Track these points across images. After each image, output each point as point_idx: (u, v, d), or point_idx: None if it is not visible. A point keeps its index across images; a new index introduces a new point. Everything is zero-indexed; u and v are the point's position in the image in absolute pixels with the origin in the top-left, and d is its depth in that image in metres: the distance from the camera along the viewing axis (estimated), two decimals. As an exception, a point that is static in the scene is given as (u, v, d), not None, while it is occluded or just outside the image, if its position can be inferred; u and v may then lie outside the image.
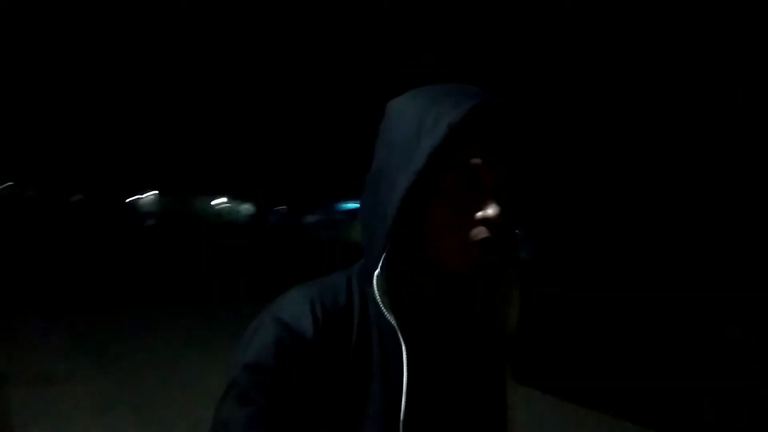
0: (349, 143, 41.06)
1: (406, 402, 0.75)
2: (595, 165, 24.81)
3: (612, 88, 24.36)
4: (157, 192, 66.75)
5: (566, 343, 7.63)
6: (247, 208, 55.68)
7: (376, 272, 0.78)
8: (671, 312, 10.27)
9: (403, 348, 0.76)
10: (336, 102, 44.22)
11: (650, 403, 5.60)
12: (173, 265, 16.18)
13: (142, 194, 68.70)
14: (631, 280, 14.34)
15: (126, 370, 5.93)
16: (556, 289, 11.33)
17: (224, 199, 58.43)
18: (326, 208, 44.21)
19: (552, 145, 24.55)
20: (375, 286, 0.78)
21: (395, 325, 0.76)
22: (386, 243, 0.77)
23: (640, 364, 6.92)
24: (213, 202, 59.16)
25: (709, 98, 21.48)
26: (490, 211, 0.75)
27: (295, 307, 0.79)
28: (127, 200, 67.06)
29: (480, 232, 0.75)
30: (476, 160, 0.76)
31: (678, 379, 6.37)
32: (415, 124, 0.77)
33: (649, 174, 23.29)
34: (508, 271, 0.84)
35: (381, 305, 0.77)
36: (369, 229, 0.81)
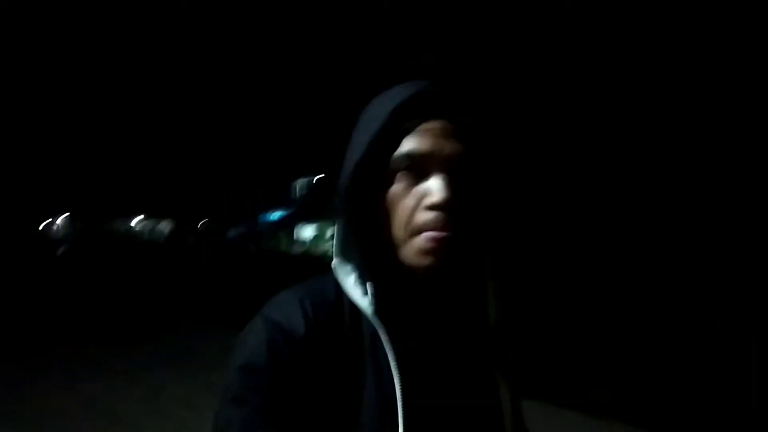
0: (269, 152, 40.74)
1: (402, 394, 0.75)
2: (592, 166, 24.88)
3: (614, 89, 24.56)
4: (68, 214, 63.67)
5: (557, 347, 7.67)
6: (165, 225, 54.08)
7: (338, 264, 0.82)
8: (668, 315, 10.24)
9: (386, 343, 0.77)
10: (253, 108, 43.70)
11: (645, 406, 5.58)
12: (86, 295, 15.79)
13: (52, 218, 65.34)
14: (625, 283, 14.53)
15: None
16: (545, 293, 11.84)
17: (141, 218, 56.51)
18: (249, 219, 43.67)
19: (552, 146, 24.78)
20: (343, 285, 0.81)
21: (376, 324, 0.78)
22: (350, 238, 0.81)
23: (635, 367, 6.87)
24: (130, 223, 57.10)
25: (709, 98, 21.68)
26: (435, 197, 0.74)
27: (286, 307, 0.80)
28: (37, 227, 63.68)
29: (427, 221, 0.75)
30: (421, 148, 0.76)
31: (673, 382, 6.31)
32: (365, 120, 0.81)
33: (648, 175, 23.31)
34: (481, 263, 0.85)
35: (354, 300, 0.80)
36: (339, 233, 0.83)
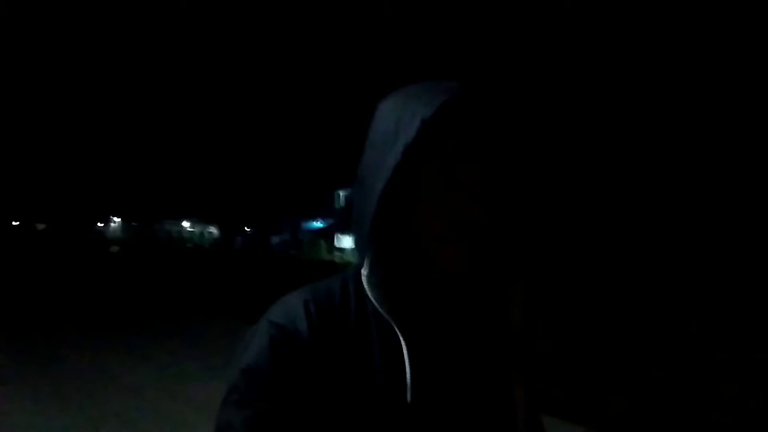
0: (312, 163, 41.89)
1: (412, 395, 0.75)
2: (599, 168, 24.63)
3: (617, 90, 24.32)
4: (120, 219, 66.66)
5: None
6: (211, 231, 56.04)
7: (365, 270, 0.82)
8: (673, 319, 10.26)
9: (402, 341, 0.77)
10: (297, 122, 45.04)
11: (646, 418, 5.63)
12: (134, 289, 16.91)
13: (106, 222, 68.51)
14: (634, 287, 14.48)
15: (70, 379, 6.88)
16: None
17: (188, 224, 58.63)
18: (292, 227, 44.96)
19: (555, 148, 24.76)
20: (365, 284, 0.81)
21: (389, 318, 0.78)
22: (370, 241, 0.80)
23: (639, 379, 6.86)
24: (178, 227, 59.31)
25: (710, 98, 21.30)
26: (467, 207, 0.74)
27: (290, 309, 0.79)
28: (94, 227, 66.86)
29: (459, 228, 0.75)
30: (453, 157, 0.76)
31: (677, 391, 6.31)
32: (393, 122, 0.78)
33: (653, 176, 22.94)
34: (505, 270, 0.84)
35: (374, 301, 0.79)
36: (357, 229, 0.82)
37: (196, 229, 58.11)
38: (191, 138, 53.56)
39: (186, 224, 58.80)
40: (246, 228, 51.31)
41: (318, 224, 42.87)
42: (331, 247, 39.11)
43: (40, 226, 67.36)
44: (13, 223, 72.15)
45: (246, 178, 48.26)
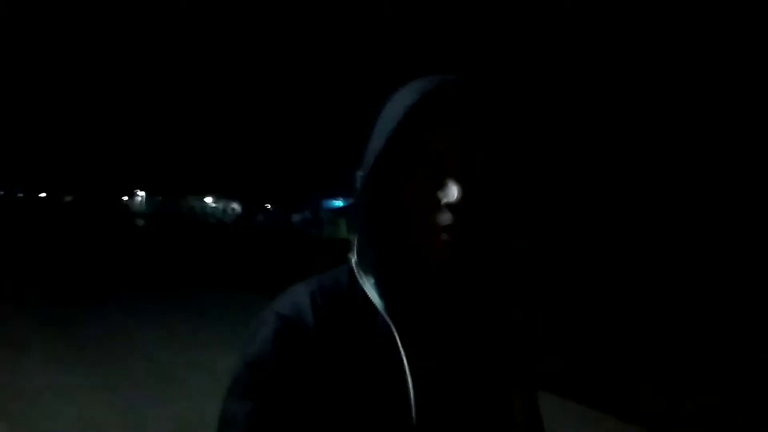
0: (334, 141, 41.99)
1: (414, 388, 0.75)
2: (597, 165, 24.61)
3: (618, 89, 24.20)
4: (144, 193, 67.57)
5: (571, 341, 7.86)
6: (234, 207, 56.57)
7: (354, 259, 0.83)
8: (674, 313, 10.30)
9: (396, 336, 0.77)
10: (320, 99, 45.11)
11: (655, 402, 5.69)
12: (156, 261, 17.24)
13: (131, 195, 69.53)
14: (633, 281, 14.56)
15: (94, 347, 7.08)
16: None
17: (211, 200, 59.20)
18: (312, 206, 45.20)
19: (556, 146, 24.65)
20: (357, 276, 0.82)
21: (385, 315, 0.78)
22: (367, 232, 0.80)
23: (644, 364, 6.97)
24: (201, 202, 59.96)
25: (710, 99, 21.24)
26: (451, 194, 0.74)
27: (297, 301, 0.79)
28: (119, 200, 67.93)
29: (442, 217, 0.74)
30: (438, 145, 0.76)
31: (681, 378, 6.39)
32: (387, 113, 0.79)
33: (653, 174, 22.98)
34: (500, 262, 0.84)
35: (369, 295, 0.79)
36: (357, 221, 0.83)
37: (219, 205, 58.70)
38: (216, 114, 53.95)
39: (209, 200, 59.38)
40: (268, 205, 51.70)
41: (339, 203, 43.04)
42: (351, 227, 39.27)
43: (67, 198, 68.56)
44: (40, 195, 73.72)
45: (269, 156, 48.55)
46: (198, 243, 25.21)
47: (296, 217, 45.70)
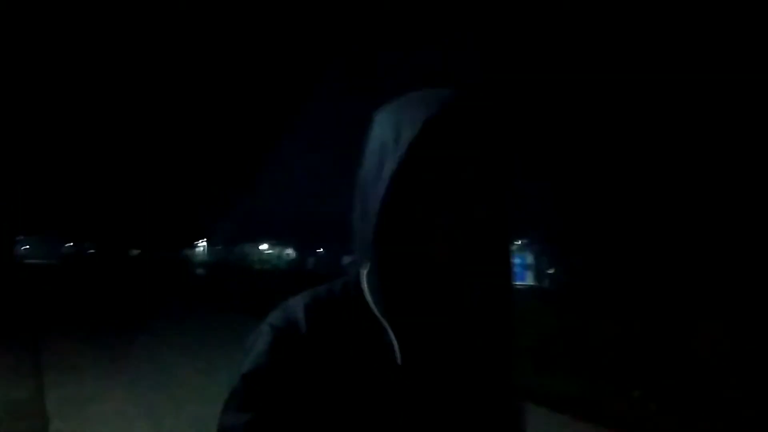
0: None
1: (404, 391, 0.77)
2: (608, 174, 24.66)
3: (622, 92, 24.29)
4: (205, 242, 70.77)
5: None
6: (288, 252, 58.60)
7: (364, 271, 0.84)
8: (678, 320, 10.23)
9: (395, 343, 0.78)
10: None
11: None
12: (213, 304, 18.70)
13: (193, 246, 72.96)
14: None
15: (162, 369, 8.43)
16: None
17: (266, 246, 61.45)
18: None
19: (563, 154, 24.99)
20: (364, 285, 0.84)
21: (383, 320, 0.79)
22: (373, 245, 0.78)
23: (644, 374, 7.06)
24: (256, 249, 62.33)
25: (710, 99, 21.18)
26: (461, 207, 0.75)
27: (290, 313, 0.81)
28: (182, 251, 71.52)
29: (448, 229, 0.76)
30: (448, 158, 0.76)
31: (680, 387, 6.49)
32: (391, 129, 0.79)
33: (653, 180, 22.95)
34: (497, 268, 0.84)
35: (370, 303, 0.81)
36: (358, 233, 0.83)
37: (274, 251, 60.87)
38: (265, 163, 56.53)
39: (264, 246, 61.66)
40: (320, 249, 53.45)
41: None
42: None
43: (134, 252, 72.79)
44: (110, 249, 78.46)
45: (318, 200, 50.42)
46: (250, 288, 26.68)
47: (346, 259, 47.00)
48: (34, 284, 26.23)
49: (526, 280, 31.21)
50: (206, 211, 63.74)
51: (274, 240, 60.02)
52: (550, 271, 31.19)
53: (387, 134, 0.80)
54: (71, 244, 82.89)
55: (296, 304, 0.83)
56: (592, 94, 24.85)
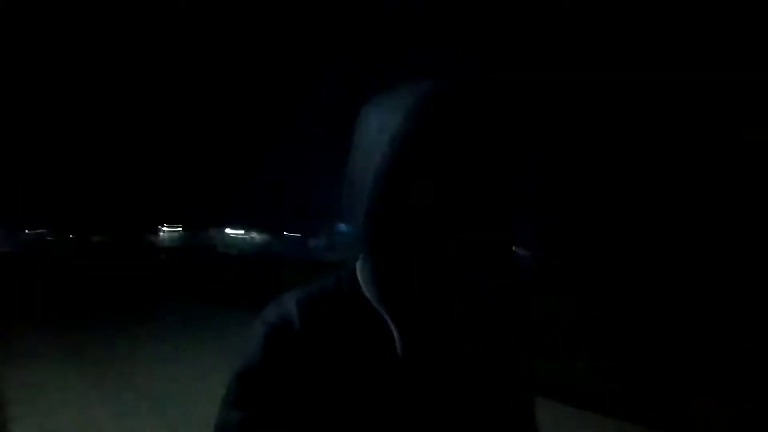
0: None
1: (407, 384, 0.76)
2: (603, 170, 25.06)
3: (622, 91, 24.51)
4: (168, 228, 69.79)
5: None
6: (253, 236, 58.24)
7: (359, 265, 0.85)
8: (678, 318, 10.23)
9: (396, 334, 0.78)
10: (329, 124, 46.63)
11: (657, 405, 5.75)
12: (176, 290, 18.57)
13: (156, 231, 71.80)
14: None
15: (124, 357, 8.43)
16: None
17: (231, 230, 61.01)
18: (328, 231, 46.54)
19: (560, 149, 25.14)
20: (360, 279, 0.84)
21: (383, 312, 0.79)
22: (365, 238, 0.78)
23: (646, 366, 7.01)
24: (222, 233, 61.80)
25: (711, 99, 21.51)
26: (456, 203, 0.74)
27: (284, 309, 0.81)
28: (144, 237, 70.35)
29: (448, 223, 0.74)
30: (434, 148, 0.74)
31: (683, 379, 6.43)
32: (377, 121, 0.79)
33: (654, 178, 23.37)
34: (501, 265, 0.81)
35: (368, 296, 0.81)
36: (351, 227, 0.82)
37: (239, 235, 60.43)
38: (231, 147, 55.88)
39: (229, 231, 61.18)
40: (286, 233, 53.28)
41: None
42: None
43: (95, 239, 71.25)
44: (70, 236, 76.66)
45: (283, 182, 50.18)
46: (216, 273, 26.50)
47: (312, 243, 47.08)
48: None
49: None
50: (168, 197, 62.84)
51: (241, 225, 59.57)
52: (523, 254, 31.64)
53: (372, 128, 0.80)
54: (29, 231, 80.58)
55: (290, 301, 0.83)
56: (595, 91, 24.89)
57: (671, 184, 23.08)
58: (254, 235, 58.18)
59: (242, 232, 60.22)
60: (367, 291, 0.82)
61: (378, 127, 0.78)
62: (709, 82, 21.60)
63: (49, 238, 76.18)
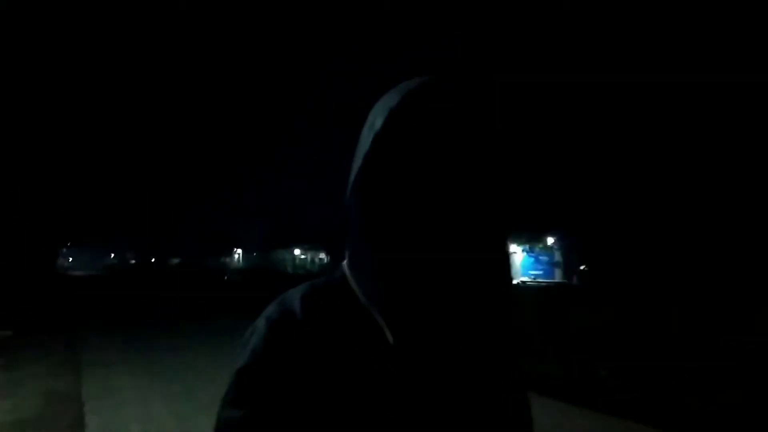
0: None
1: (401, 372, 0.76)
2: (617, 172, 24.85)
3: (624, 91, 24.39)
4: (240, 251, 72.53)
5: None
6: (321, 257, 59.59)
7: (346, 263, 0.85)
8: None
9: (388, 333, 0.78)
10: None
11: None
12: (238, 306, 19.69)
13: (230, 254, 74.83)
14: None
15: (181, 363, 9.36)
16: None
17: (299, 251, 62.63)
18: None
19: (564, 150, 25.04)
20: (349, 277, 0.84)
21: (373, 311, 0.79)
22: (350, 235, 0.81)
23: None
24: (290, 254, 63.54)
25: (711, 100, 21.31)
26: (446, 200, 0.74)
27: (288, 306, 0.81)
28: (219, 260, 73.60)
29: (438, 222, 0.74)
30: (430, 146, 0.74)
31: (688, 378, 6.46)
32: (369, 121, 0.80)
33: (659, 179, 23.10)
34: (494, 265, 0.81)
35: (358, 294, 0.81)
36: (349, 228, 0.84)
37: (307, 256, 61.92)
38: (296, 169, 57.80)
39: (297, 251, 62.83)
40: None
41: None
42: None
43: (174, 261, 75.42)
44: (152, 259, 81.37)
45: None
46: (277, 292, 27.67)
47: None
48: (76, 292, 27.84)
49: (554, 277, 31.38)
50: (242, 222, 65.61)
51: (307, 245, 61.04)
52: (582, 268, 31.27)
53: (366, 127, 0.82)
54: (113, 255, 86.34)
55: (294, 297, 0.83)
56: (624, 90, 24.75)
57: (671, 184, 22.54)
58: (321, 255, 59.49)
59: (310, 252, 61.69)
60: (354, 285, 0.84)
61: (369, 126, 0.81)
62: (708, 82, 21.07)
63: (132, 262, 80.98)
